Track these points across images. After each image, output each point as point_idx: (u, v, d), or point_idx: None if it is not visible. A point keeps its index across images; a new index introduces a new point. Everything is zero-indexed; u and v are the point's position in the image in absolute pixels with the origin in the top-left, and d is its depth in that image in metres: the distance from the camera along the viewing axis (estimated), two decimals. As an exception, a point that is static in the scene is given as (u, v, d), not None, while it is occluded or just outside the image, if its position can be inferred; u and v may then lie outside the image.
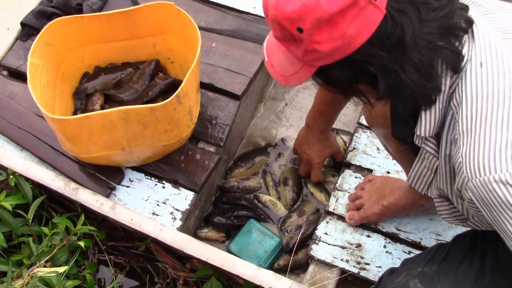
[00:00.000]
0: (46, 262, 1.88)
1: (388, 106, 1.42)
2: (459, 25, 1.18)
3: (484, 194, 1.14)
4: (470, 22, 1.20)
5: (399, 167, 2.09)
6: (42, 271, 1.77)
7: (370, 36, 1.10)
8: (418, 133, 1.27)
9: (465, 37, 1.19)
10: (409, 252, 1.94)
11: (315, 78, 1.24)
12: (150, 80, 2.20)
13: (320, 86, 1.26)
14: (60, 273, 1.80)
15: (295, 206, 2.23)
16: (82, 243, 1.95)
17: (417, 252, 1.91)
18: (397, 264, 1.70)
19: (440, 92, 1.20)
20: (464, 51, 1.18)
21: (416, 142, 1.32)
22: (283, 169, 2.31)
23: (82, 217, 1.99)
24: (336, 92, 1.26)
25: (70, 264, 1.94)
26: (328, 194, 2.18)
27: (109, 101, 2.18)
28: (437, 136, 1.30)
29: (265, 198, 2.25)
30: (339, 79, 1.19)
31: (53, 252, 1.91)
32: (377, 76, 1.15)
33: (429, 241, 1.94)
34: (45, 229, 1.97)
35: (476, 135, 1.15)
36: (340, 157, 2.20)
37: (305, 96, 2.49)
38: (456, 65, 1.18)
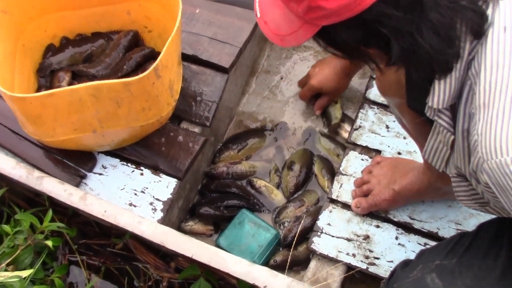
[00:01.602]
0: (7, 265, 1.88)
1: (402, 72, 1.42)
2: None
3: (500, 178, 1.13)
4: None
5: (411, 147, 2.10)
6: (3, 275, 1.77)
7: None
8: (430, 104, 1.27)
9: None
10: (425, 244, 1.94)
11: (317, 39, 1.22)
12: (126, 54, 2.21)
13: (322, 48, 1.25)
14: (24, 278, 1.80)
15: (295, 195, 2.24)
16: (49, 243, 1.94)
17: (434, 244, 1.89)
18: (411, 257, 1.69)
19: (459, 59, 1.19)
20: (488, 13, 1.17)
21: (428, 114, 1.32)
22: (292, 152, 2.31)
23: (50, 213, 1.98)
24: (340, 55, 1.26)
25: (36, 267, 1.94)
26: (332, 181, 2.18)
27: (78, 77, 2.18)
28: (452, 109, 1.29)
29: (259, 183, 2.25)
30: (345, 41, 1.18)
31: (16, 253, 1.91)
32: (390, 40, 1.14)
33: (447, 231, 1.94)
34: (6, 227, 1.97)
35: (494, 110, 1.13)
36: (324, 105, 2.30)
37: (303, 69, 2.46)
38: (479, 27, 1.16)
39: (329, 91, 2.26)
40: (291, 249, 2.05)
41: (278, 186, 2.25)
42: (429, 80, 1.28)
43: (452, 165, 1.42)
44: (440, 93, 1.24)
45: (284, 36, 1.23)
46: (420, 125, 1.55)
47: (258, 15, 1.27)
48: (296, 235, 2.06)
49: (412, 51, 1.15)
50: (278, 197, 2.22)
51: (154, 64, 1.82)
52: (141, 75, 1.81)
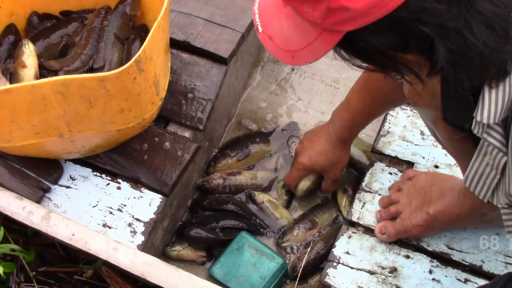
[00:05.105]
0: None
1: (436, 77, 1.40)
2: None
3: None
4: None
5: (451, 160, 2.09)
6: None
7: None
8: (478, 118, 1.26)
9: None
10: (466, 281, 1.93)
11: (338, 51, 1.21)
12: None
13: (346, 62, 1.24)
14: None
15: (305, 213, 2.25)
16: (0, 269, 1.95)
17: (477, 281, 1.91)
18: (449, 297, 1.73)
19: None
20: None
21: (475, 131, 1.31)
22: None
23: (2, 231, 1.99)
24: (371, 68, 1.25)
25: (-19, 300, 1.96)
26: (352, 199, 2.18)
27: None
28: (505, 124, 1.28)
29: (261, 197, 2.26)
30: (378, 49, 1.17)
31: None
32: (433, 41, 1.13)
33: (494, 265, 1.93)
34: None
35: None
36: (330, 186, 2.24)
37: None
38: None
39: (324, 169, 2.17)
40: (297, 282, 2.07)
41: (288, 204, 2.27)
42: (471, 88, 1.27)
43: (502, 193, 1.41)
44: (491, 105, 1.24)
45: (296, 51, 1.22)
46: (459, 143, 1.54)
47: (260, 29, 1.27)
48: (303, 265, 2.09)
49: (461, 52, 1.14)
50: (284, 215, 2.23)
51: (136, 56, 1.81)
52: (119, 69, 1.80)
